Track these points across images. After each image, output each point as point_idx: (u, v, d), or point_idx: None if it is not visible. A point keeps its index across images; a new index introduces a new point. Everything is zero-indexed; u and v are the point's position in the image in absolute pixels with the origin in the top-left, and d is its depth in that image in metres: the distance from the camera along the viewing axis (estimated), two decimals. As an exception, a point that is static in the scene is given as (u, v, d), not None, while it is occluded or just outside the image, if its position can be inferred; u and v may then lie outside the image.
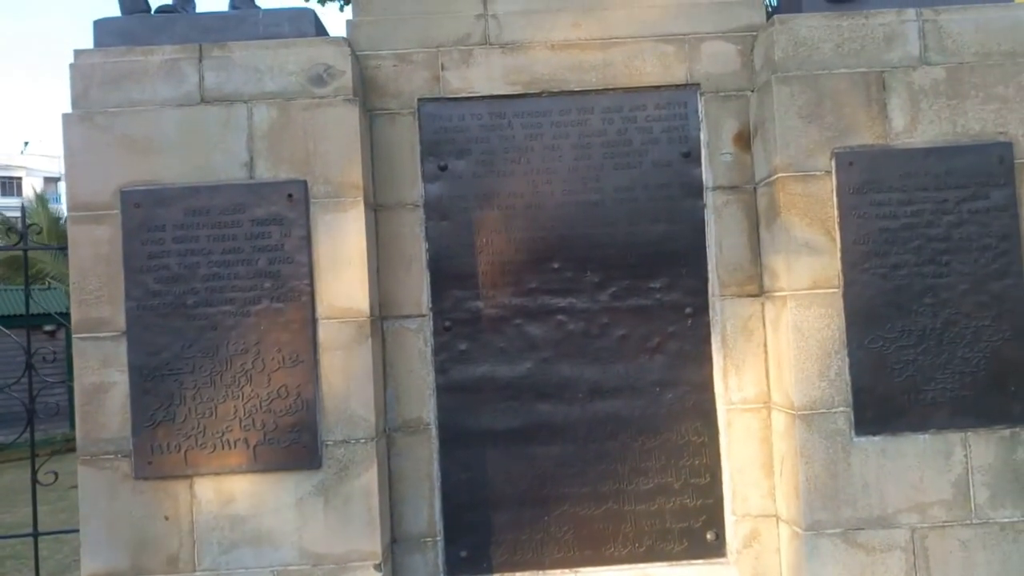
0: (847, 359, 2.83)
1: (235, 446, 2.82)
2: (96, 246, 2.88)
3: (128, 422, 2.81)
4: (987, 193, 2.87)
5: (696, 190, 3.14)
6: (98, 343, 2.85)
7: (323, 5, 8.78)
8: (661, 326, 3.11)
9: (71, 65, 2.96)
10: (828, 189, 2.89)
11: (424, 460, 3.11)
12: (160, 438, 2.81)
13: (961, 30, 2.95)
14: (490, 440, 3.11)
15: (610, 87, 3.15)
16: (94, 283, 2.87)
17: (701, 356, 3.11)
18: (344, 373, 2.85)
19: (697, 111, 3.15)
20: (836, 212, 2.87)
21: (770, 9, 3.27)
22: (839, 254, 2.86)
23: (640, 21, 3.18)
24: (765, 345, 3.09)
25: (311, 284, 2.86)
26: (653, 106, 3.15)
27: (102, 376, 2.83)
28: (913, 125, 2.92)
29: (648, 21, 3.18)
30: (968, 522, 2.83)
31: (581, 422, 3.10)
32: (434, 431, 3.11)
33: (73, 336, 2.87)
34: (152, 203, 2.88)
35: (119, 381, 2.83)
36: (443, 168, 3.15)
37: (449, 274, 3.13)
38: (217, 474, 2.82)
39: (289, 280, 2.85)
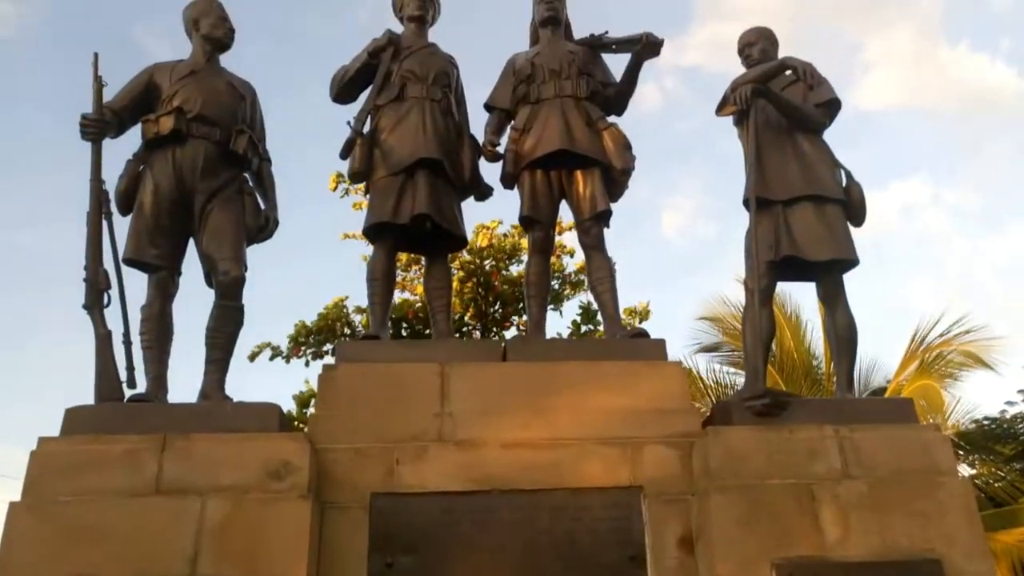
0: None
1: None
2: (12, 649, 2.83)
3: None
4: (928, 611, 3.06)
5: (645, 595, 3.28)
6: None
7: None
8: None
9: (32, 452, 3.20)
10: (772, 602, 3.06)
11: None
12: None
13: (875, 448, 3.40)
14: None
15: (558, 487, 3.44)
16: None
17: None
18: None
19: (641, 513, 3.42)
20: (782, 628, 3.00)
21: (705, 412, 3.74)
22: (790, 674, 2.93)
23: (586, 424, 3.59)
24: None
25: None
26: (599, 507, 3.42)
27: None
28: (846, 536, 3.20)
29: (593, 425, 3.59)
30: None
31: None
32: None
33: None
34: (82, 599, 2.91)
35: None
36: (389, 565, 3.28)
37: None
38: None
39: None
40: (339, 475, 3.42)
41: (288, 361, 9.42)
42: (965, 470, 10.02)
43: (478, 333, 10.62)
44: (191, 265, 3.90)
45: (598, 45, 4.51)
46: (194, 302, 3.97)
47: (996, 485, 9.42)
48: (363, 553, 3.29)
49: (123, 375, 3.55)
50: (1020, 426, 9.79)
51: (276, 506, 3.13)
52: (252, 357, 9.35)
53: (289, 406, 9.18)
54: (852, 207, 4.06)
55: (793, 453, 3.37)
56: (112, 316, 3.61)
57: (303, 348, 9.62)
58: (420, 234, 4.17)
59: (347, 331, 9.85)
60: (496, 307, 10.45)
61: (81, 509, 3.07)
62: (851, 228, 4.06)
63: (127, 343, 3.61)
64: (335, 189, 10.71)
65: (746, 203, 4.02)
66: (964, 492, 3.32)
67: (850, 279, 4.08)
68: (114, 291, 3.63)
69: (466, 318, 10.56)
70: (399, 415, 3.58)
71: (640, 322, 9.98)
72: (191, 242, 3.89)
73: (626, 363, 3.77)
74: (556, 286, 10.13)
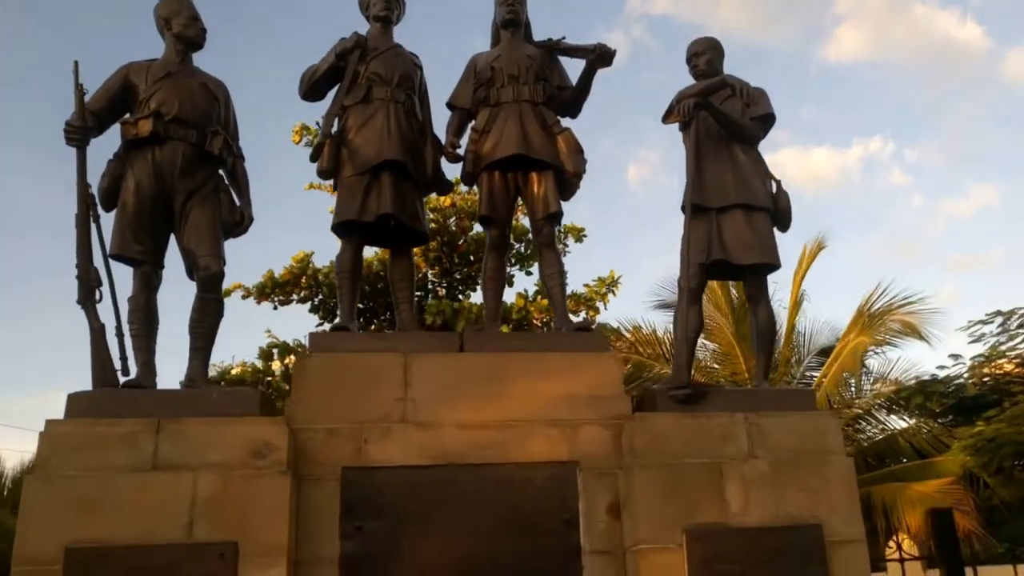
0: None
1: None
2: (34, 605, 3.52)
3: None
4: (807, 567, 3.89)
5: (576, 553, 4.07)
6: None
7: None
8: None
9: (40, 433, 3.83)
10: (681, 560, 3.87)
11: None
12: None
13: (778, 432, 4.18)
14: None
15: (506, 461, 4.18)
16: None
17: None
18: None
19: (577, 484, 4.19)
20: (689, 582, 3.82)
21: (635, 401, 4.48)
22: (694, 622, 3.75)
23: (532, 408, 4.31)
24: None
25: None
26: (541, 478, 4.18)
27: None
28: (746, 507, 4.01)
29: (539, 408, 4.32)
30: None
31: None
32: None
33: None
34: (95, 559, 3.60)
35: None
36: (358, 528, 4.01)
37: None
38: None
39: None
40: (313, 452, 4.11)
41: (259, 303, 10.28)
42: (900, 423, 11.31)
43: (443, 291, 11.34)
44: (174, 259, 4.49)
45: (555, 49, 5.07)
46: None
47: (923, 437, 10.64)
48: (336, 519, 4.02)
49: (117, 364, 4.16)
50: (947, 387, 11.01)
51: (259, 480, 3.81)
52: (226, 294, 10.21)
53: (261, 342, 10.61)
54: (779, 214, 4.76)
55: (707, 436, 4.14)
56: (104, 310, 4.21)
57: (271, 296, 10.42)
58: (385, 230, 4.79)
59: (312, 283, 10.62)
60: (460, 266, 11.11)
61: (87, 483, 3.73)
62: (776, 233, 4.77)
63: (120, 335, 4.20)
64: (299, 142, 11.22)
65: (683, 209, 4.69)
66: (847, 469, 4.14)
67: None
68: (105, 287, 4.21)
69: (430, 275, 11.24)
70: (366, 400, 4.26)
71: (609, 291, 10.90)
72: (172, 238, 4.46)
73: (569, 354, 4.47)
74: (522, 249, 10.84)
